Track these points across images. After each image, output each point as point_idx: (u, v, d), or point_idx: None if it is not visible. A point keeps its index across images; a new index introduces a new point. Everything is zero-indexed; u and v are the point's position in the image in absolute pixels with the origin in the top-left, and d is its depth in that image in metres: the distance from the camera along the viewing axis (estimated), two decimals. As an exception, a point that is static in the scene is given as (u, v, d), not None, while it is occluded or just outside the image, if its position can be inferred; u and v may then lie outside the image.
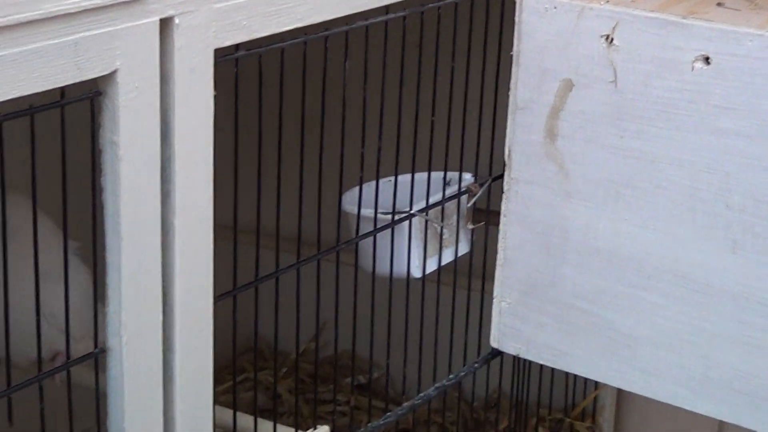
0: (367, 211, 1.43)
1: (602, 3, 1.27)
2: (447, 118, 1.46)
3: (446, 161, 1.50)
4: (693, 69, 1.22)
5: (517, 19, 1.32)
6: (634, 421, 2.09)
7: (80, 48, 0.97)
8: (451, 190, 1.55)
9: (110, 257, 1.06)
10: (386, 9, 1.30)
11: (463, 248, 1.58)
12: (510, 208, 1.37)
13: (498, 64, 1.49)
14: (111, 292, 1.07)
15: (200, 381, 1.16)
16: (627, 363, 1.33)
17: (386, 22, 1.30)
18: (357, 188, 1.41)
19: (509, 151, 1.36)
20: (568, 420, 2.05)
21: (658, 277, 1.29)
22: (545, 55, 1.31)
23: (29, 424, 1.14)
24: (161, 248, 1.09)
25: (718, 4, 1.26)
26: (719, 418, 1.30)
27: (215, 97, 1.10)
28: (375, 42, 1.32)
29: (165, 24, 1.04)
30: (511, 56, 1.34)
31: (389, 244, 1.47)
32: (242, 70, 1.14)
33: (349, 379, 2.20)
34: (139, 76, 1.02)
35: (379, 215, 1.45)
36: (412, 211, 1.49)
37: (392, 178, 1.47)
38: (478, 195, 1.55)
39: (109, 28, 0.99)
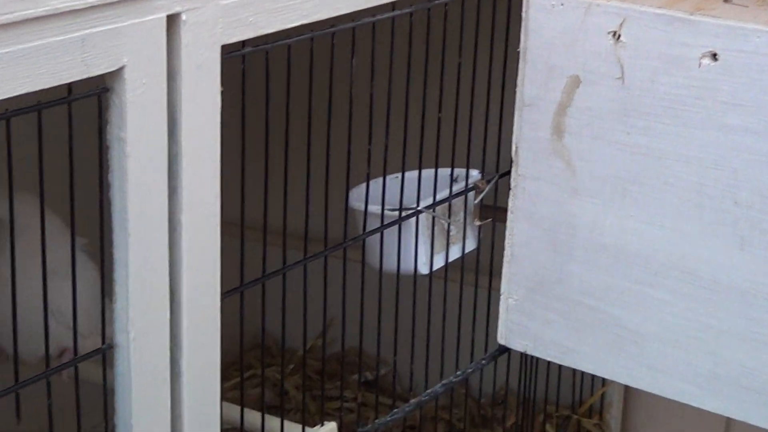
0: (374, 208, 1.43)
1: (609, -1, 1.27)
2: (454, 114, 1.46)
3: (453, 158, 1.50)
4: (700, 65, 1.22)
5: (524, 15, 1.32)
6: (642, 417, 2.08)
7: (87, 44, 0.97)
8: (458, 187, 1.55)
9: (117, 253, 1.06)
10: (393, 5, 1.30)
11: (470, 245, 1.58)
12: (517, 204, 1.37)
13: (505, 61, 1.48)
14: (118, 289, 1.07)
15: (207, 377, 1.16)
16: (634, 360, 1.33)
17: (393, 19, 1.30)
18: (364, 185, 1.41)
19: (516, 147, 1.36)
20: (575, 417, 2.05)
21: (665, 274, 1.29)
22: (552, 51, 1.31)
23: (37, 420, 1.15)
24: (168, 245, 1.09)
25: (726, 1, 1.25)
26: (727, 414, 1.30)
27: (222, 93, 1.10)
28: (382, 38, 1.32)
29: (172, 20, 1.04)
30: (518, 53, 1.34)
31: (396, 240, 1.47)
32: (249, 67, 1.14)
33: (356, 376, 2.20)
34: (146, 72, 1.02)
35: (386, 212, 1.45)
36: (419, 208, 1.49)
37: (399, 175, 1.47)
38: (485, 192, 1.55)
39: (116, 25, 0.99)
